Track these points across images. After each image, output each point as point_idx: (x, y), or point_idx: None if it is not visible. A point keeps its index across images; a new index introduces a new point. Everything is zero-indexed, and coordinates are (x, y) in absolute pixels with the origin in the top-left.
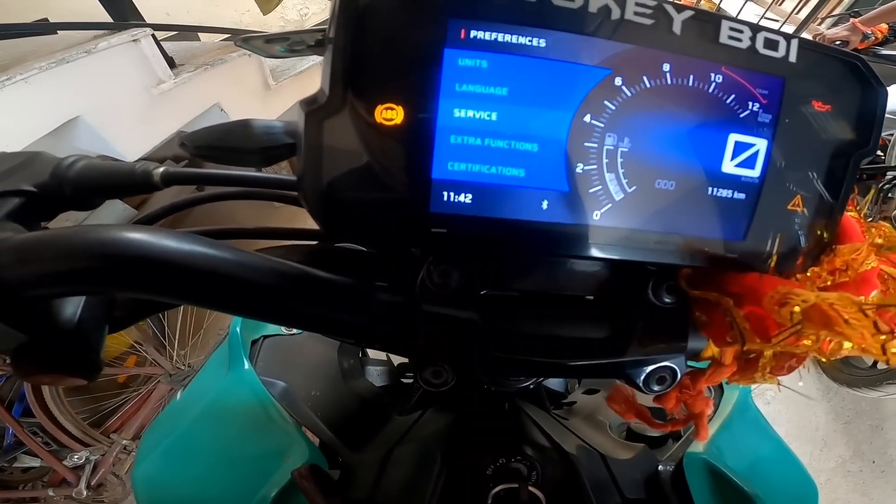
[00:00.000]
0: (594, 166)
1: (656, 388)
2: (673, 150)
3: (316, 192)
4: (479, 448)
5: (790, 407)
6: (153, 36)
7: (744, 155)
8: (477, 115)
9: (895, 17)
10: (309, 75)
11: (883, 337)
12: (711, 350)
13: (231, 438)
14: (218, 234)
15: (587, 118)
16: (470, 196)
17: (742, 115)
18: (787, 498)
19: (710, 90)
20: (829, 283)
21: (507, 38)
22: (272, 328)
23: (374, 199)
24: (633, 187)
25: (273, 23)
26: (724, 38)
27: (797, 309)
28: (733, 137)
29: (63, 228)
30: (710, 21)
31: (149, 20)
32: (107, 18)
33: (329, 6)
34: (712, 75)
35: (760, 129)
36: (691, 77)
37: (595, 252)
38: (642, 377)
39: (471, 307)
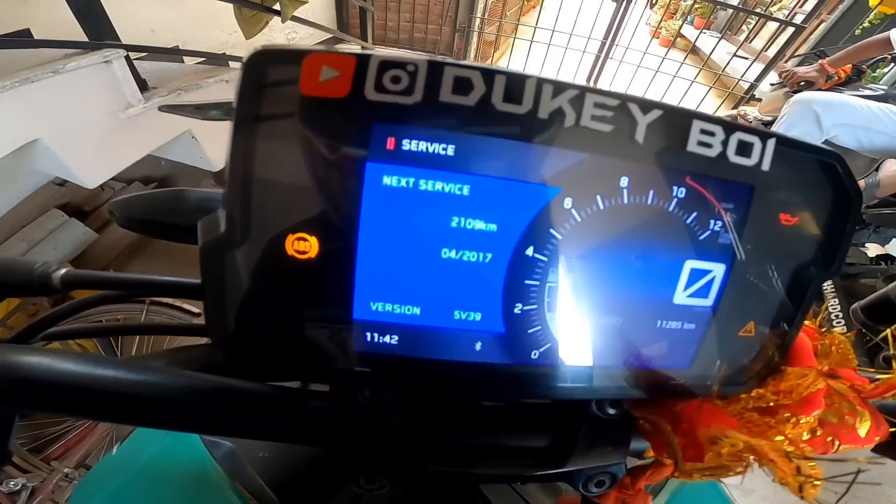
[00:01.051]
0: (534, 306)
1: (595, 490)
2: (623, 283)
3: (222, 335)
4: None
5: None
6: (126, 57)
7: (698, 283)
8: (403, 248)
9: (865, 55)
10: None
11: (801, 479)
12: (651, 453)
13: (166, 501)
14: (142, 329)
15: (529, 251)
16: (396, 337)
17: (702, 238)
18: None
19: (670, 208)
20: (772, 403)
21: (440, 149)
22: None
23: (289, 341)
24: (576, 326)
25: (259, 45)
26: (692, 146)
27: (725, 450)
28: (689, 265)
29: None
30: (680, 122)
31: (133, 37)
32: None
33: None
34: (674, 189)
35: (720, 252)
36: (651, 193)
37: (530, 394)
38: (582, 481)
39: (404, 419)
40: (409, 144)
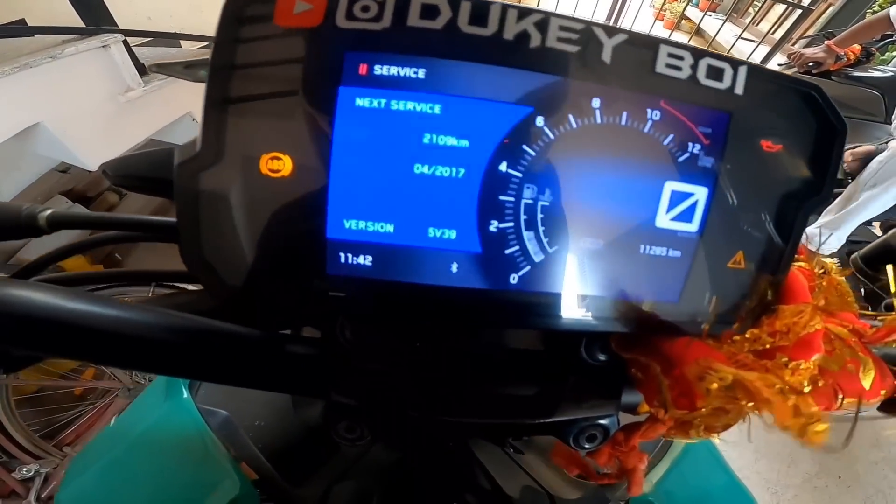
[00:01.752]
0: (510, 223)
1: (587, 445)
2: (601, 203)
3: (194, 255)
4: (418, 492)
5: (757, 423)
6: (124, 42)
7: (681, 206)
8: (376, 165)
9: (868, 35)
10: None
11: (803, 420)
12: (645, 408)
13: (161, 469)
14: (118, 276)
15: (503, 167)
16: (370, 258)
17: (681, 160)
18: None
19: (646, 130)
20: (768, 345)
21: (411, 72)
22: None
23: (262, 262)
24: (555, 247)
25: None
26: (661, 68)
27: (714, 386)
28: (670, 186)
29: None
30: (646, 46)
31: (129, 24)
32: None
33: None
34: (648, 111)
35: (701, 175)
36: (624, 115)
37: (511, 322)
38: (572, 435)
39: (384, 362)
40: (380, 69)
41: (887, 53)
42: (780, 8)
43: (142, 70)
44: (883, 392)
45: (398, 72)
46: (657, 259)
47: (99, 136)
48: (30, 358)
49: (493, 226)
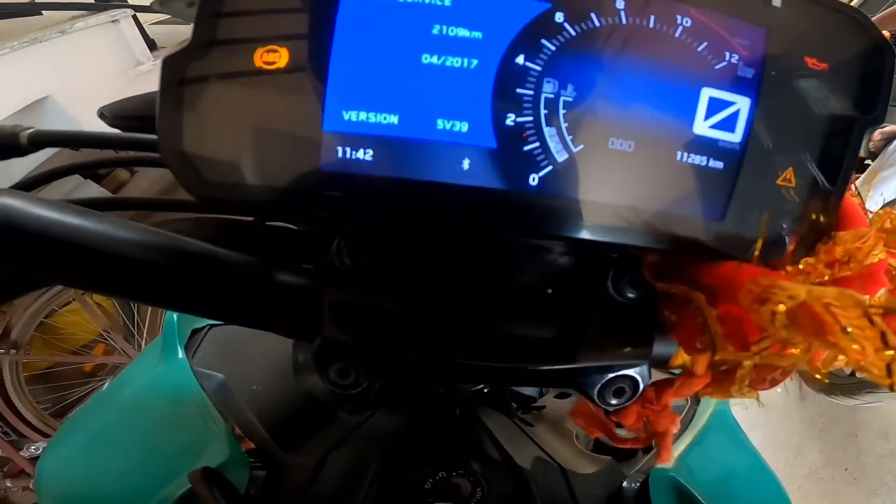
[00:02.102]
0: (529, 118)
1: (613, 401)
2: (630, 103)
3: (174, 147)
4: (420, 459)
5: (768, 413)
6: (134, 17)
7: (721, 114)
8: (380, 55)
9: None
10: None
11: (889, 353)
12: (682, 357)
13: (150, 433)
14: (113, 203)
15: (520, 59)
16: (371, 151)
17: (718, 67)
18: None
19: (677, 35)
20: (826, 277)
21: None
22: None
23: (251, 157)
24: (580, 146)
25: None
26: None
27: (781, 308)
28: (707, 92)
29: None
30: None
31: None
32: None
33: None
34: (678, 18)
35: (741, 85)
36: (651, 18)
37: (530, 228)
38: (597, 388)
39: (386, 294)
40: None
41: None
42: None
43: (151, 45)
44: None
45: None
46: (697, 169)
47: None
48: (9, 289)
49: (510, 119)
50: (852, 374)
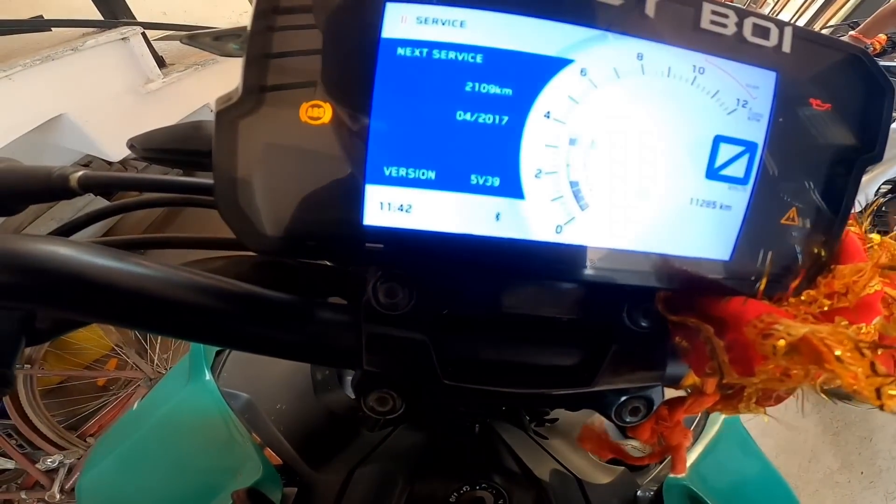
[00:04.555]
0: (555, 172)
1: (629, 419)
2: (648, 154)
3: (230, 204)
4: (444, 474)
5: (781, 418)
6: (143, 34)
7: (731, 159)
8: (417, 112)
9: (889, 24)
10: None
11: (878, 379)
12: (692, 378)
13: (184, 452)
14: (150, 243)
15: (547, 115)
16: (410, 206)
17: (729, 114)
18: None
19: (692, 84)
20: (825, 307)
21: (452, 22)
22: None
23: (298, 210)
24: (601, 197)
25: None
26: (705, 24)
27: (781, 343)
28: (719, 139)
29: None
30: (690, 3)
31: (143, 19)
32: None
33: None
34: (693, 67)
35: (751, 129)
36: (668, 69)
37: (555, 274)
38: (614, 408)
39: (419, 329)
40: (421, 19)
41: None
42: None
43: (161, 62)
44: None
45: (440, 23)
46: (707, 213)
47: (120, 127)
48: (55, 329)
49: (538, 173)
50: None
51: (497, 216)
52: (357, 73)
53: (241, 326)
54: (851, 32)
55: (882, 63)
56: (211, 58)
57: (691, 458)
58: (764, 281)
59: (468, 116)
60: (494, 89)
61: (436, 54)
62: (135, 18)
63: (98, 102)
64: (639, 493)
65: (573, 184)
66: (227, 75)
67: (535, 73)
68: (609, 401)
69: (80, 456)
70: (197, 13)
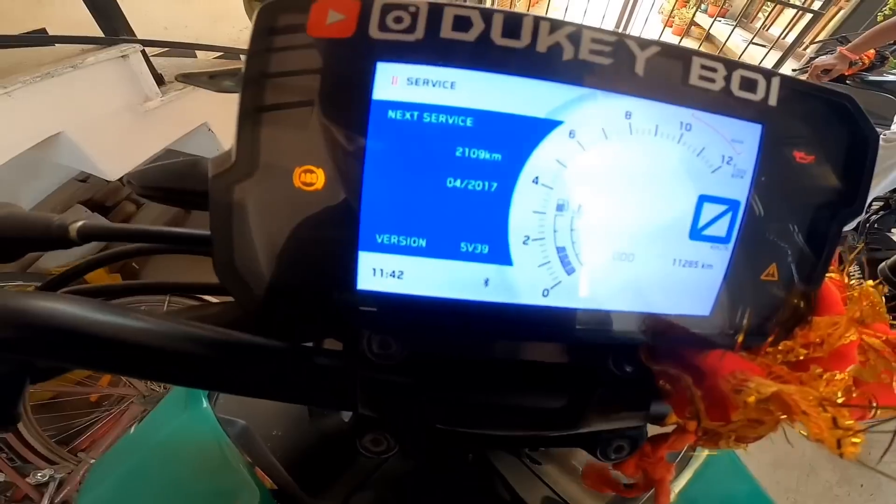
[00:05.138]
0: (542, 238)
1: (614, 456)
2: (633, 216)
3: (226, 266)
4: (438, 501)
5: (777, 433)
6: (143, 52)
7: (714, 219)
8: (409, 179)
9: (879, 41)
10: None
11: (839, 432)
12: (675, 417)
13: (181, 478)
14: (146, 289)
15: (535, 180)
16: (402, 272)
17: (714, 172)
18: None
19: (678, 142)
20: (801, 357)
21: (443, 85)
22: None
23: (292, 274)
24: (587, 261)
25: None
26: (694, 79)
27: (751, 399)
28: (703, 199)
29: None
30: (680, 58)
31: (145, 34)
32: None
33: None
34: (680, 124)
35: (734, 187)
36: (656, 127)
37: (542, 335)
38: (599, 447)
39: (411, 375)
40: (412, 81)
41: None
42: (790, 12)
43: (159, 80)
44: None
45: (430, 84)
46: (689, 272)
47: (119, 145)
48: (57, 369)
49: (525, 240)
50: None
51: (486, 282)
52: (349, 136)
53: (237, 375)
54: (840, 48)
55: (871, 77)
56: None
57: (680, 484)
58: (741, 336)
59: (458, 183)
60: (484, 154)
61: (426, 118)
62: (135, 35)
63: (96, 120)
64: None
65: (560, 249)
66: (225, 95)
67: (524, 136)
68: (595, 440)
69: (70, 471)
70: (197, 29)
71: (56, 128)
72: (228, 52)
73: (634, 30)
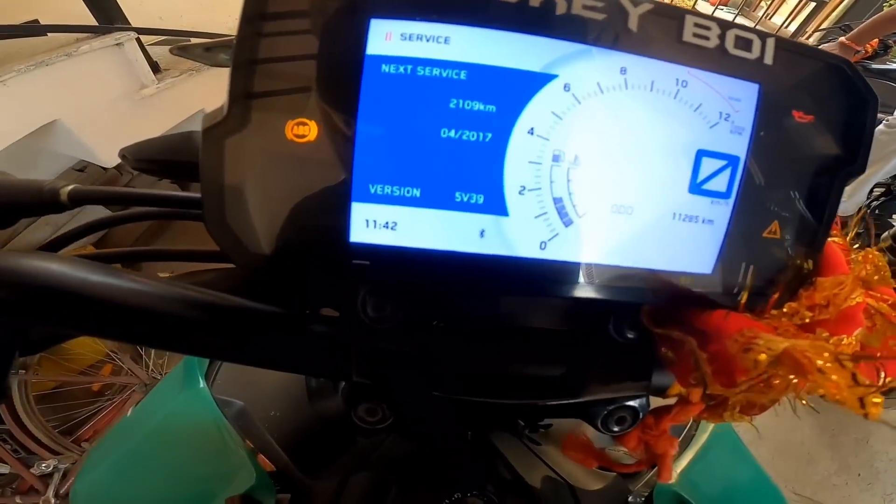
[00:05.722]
0: (538, 188)
1: (616, 428)
2: (631, 169)
3: (217, 221)
4: (436, 481)
5: (777, 422)
6: (138, 40)
7: (714, 174)
8: (402, 130)
9: (881, 31)
10: None
11: (860, 389)
12: (678, 387)
13: (178, 459)
14: (141, 255)
15: (530, 132)
16: (395, 223)
17: (712, 127)
18: None
19: (675, 98)
20: (807, 319)
21: (436, 39)
22: None
23: (284, 228)
24: (584, 213)
25: None
26: (688, 37)
27: (762, 357)
28: (701, 153)
29: None
30: (673, 16)
31: (140, 24)
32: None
33: None
34: (676, 80)
35: (733, 143)
36: (652, 83)
37: (539, 290)
38: (600, 418)
39: (407, 342)
40: (406, 36)
41: None
42: (792, 1)
43: (155, 68)
44: None
45: (423, 39)
46: (690, 227)
47: (115, 133)
48: (48, 339)
49: (521, 190)
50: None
51: (481, 233)
52: (342, 90)
53: (231, 340)
54: (842, 38)
55: (874, 66)
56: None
57: (681, 464)
58: (745, 294)
59: (452, 133)
60: (478, 106)
61: (420, 71)
62: (130, 24)
63: (92, 108)
64: (630, 498)
65: (556, 200)
66: (221, 80)
67: (518, 88)
68: (596, 411)
69: (74, 461)
70: (192, 18)
71: (52, 115)
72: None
73: None
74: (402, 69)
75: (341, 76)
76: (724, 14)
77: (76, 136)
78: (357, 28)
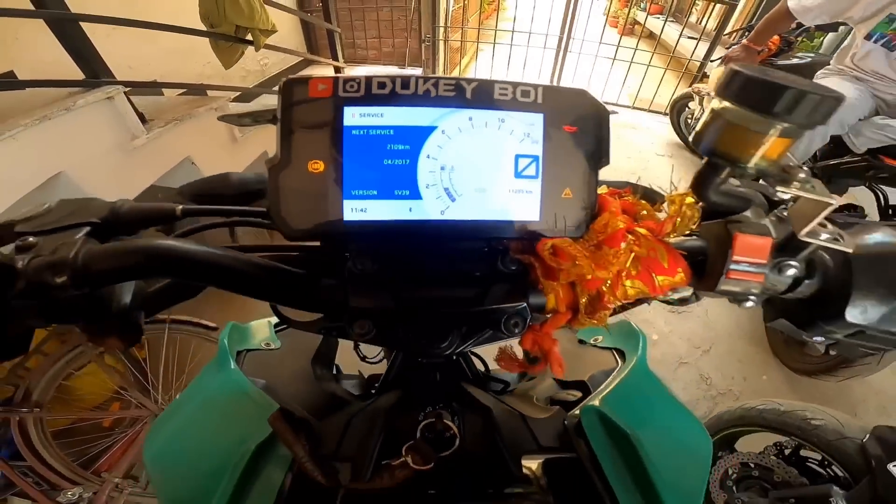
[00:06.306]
0: (435, 184)
1: (515, 330)
2: (483, 168)
3: (278, 215)
4: (414, 402)
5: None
6: (126, 92)
7: (526, 166)
8: (365, 161)
9: (772, 30)
10: (268, 130)
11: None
12: (551, 304)
13: (222, 419)
14: (238, 249)
15: (428, 156)
16: (366, 209)
17: (521, 142)
18: (673, 442)
19: (498, 128)
20: (594, 242)
21: (377, 114)
22: (253, 343)
23: (311, 217)
24: (461, 194)
25: (234, 73)
26: (498, 95)
27: (547, 247)
28: (518, 156)
29: (127, 240)
30: (488, 86)
31: (112, 73)
32: (76, 74)
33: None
34: (497, 119)
35: (534, 148)
36: (486, 122)
37: (445, 237)
38: (501, 323)
39: (383, 283)
40: (362, 114)
41: (815, 40)
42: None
43: (142, 118)
44: (679, 269)
45: (370, 115)
46: (520, 196)
47: (113, 181)
48: (160, 304)
49: (427, 185)
50: (826, 352)
51: (410, 209)
52: (334, 144)
53: (277, 288)
54: (744, 41)
55: (780, 62)
56: (187, 113)
57: (603, 392)
58: (563, 229)
59: (389, 161)
60: (400, 146)
61: (371, 132)
62: (114, 77)
63: (91, 160)
64: (566, 421)
65: (446, 189)
66: (201, 128)
67: (419, 135)
68: (497, 317)
69: (96, 490)
70: (161, 67)
71: (57, 167)
72: (193, 88)
73: (577, 31)
74: (362, 131)
75: (332, 137)
76: (660, 22)
77: (79, 187)
78: (338, 112)
